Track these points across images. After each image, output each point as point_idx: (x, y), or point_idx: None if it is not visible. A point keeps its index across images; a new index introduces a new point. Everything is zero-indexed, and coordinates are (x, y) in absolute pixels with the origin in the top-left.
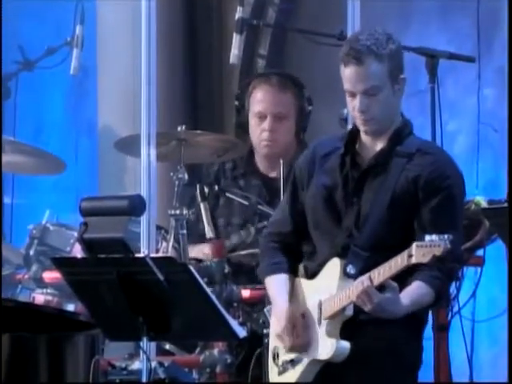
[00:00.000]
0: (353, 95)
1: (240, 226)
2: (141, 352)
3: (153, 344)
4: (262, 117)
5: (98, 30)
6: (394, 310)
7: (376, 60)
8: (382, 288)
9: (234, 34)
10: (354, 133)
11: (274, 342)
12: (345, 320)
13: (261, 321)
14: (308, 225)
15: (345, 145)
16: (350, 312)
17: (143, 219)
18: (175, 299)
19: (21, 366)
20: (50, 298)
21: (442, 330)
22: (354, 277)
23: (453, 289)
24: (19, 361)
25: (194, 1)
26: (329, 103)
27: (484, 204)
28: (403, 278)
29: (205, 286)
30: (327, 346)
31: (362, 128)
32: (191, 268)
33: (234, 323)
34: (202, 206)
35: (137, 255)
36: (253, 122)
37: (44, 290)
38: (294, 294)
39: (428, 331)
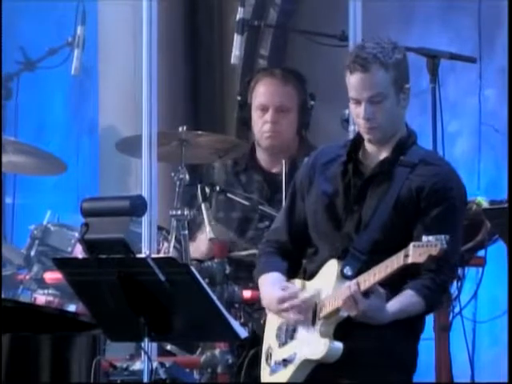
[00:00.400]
0: (358, 103)
1: (240, 226)
2: (142, 352)
3: (154, 344)
4: (264, 109)
5: (99, 30)
6: (377, 316)
7: (382, 68)
8: (368, 293)
9: (235, 35)
10: (358, 141)
11: (267, 342)
12: (339, 321)
13: (262, 321)
14: (309, 229)
15: (348, 153)
16: (344, 313)
17: (144, 220)
18: (176, 300)
19: (22, 366)
20: (51, 298)
21: (443, 330)
22: (351, 278)
23: (454, 289)
24: (21, 361)
25: (196, 1)
26: (330, 104)
27: (485, 204)
28: (397, 286)
29: (206, 286)
30: (320, 346)
31: (365, 136)
32: (193, 269)
33: (235, 324)
34: (203, 206)
35: (138, 256)
36: (255, 115)
37: (45, 290)
38: None
39: (429, 331)
